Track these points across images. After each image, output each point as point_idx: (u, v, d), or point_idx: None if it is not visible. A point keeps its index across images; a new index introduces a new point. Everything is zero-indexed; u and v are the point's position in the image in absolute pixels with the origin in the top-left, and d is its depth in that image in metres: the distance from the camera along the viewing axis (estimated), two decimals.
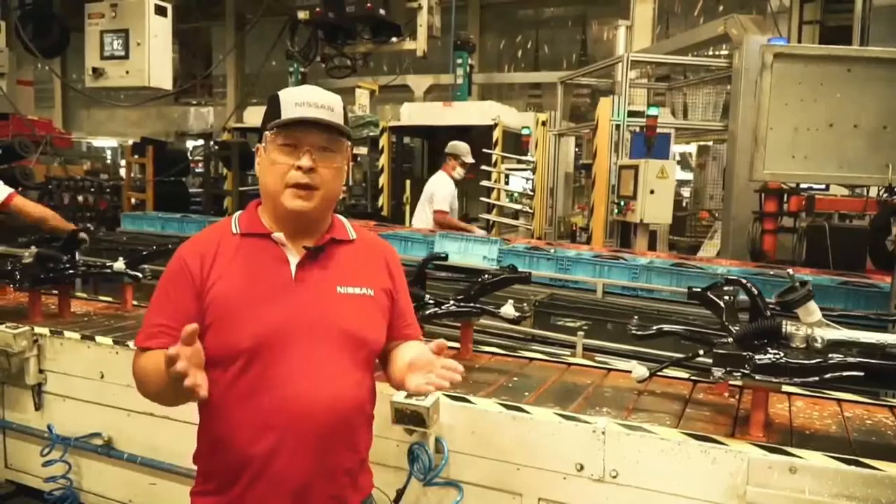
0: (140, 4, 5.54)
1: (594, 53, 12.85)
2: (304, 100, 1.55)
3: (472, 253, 3.99)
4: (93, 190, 8.31)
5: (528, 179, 7.38)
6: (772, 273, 3.48)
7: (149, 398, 1.57)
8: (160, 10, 5.65)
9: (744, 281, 2.17)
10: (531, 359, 2.79)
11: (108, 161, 15.43)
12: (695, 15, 12.23)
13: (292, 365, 1.52)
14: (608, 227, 6.20)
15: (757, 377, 1.91)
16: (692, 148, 10.32)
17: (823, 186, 5.98)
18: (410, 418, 2.06)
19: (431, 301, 2.63)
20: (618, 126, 6.20)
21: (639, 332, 2.27)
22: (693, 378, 2.52)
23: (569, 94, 10.71)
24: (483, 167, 7.13)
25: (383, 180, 8.54)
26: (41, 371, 2.96)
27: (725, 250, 6.17)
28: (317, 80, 9.02)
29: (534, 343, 3.14)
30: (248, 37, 13.84)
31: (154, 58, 5.61)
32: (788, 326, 1.95)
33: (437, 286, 3.08)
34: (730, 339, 2.03)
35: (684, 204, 9.54)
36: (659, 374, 2.24)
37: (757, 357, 1.91)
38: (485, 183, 7.46)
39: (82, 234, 3.42)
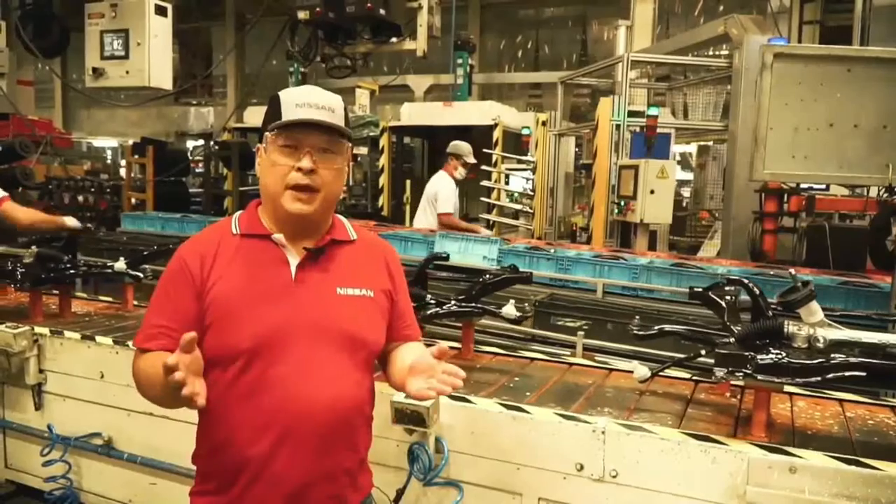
0: (140, 4, 5.54)
1: (594, 53, 12.85)
2: (304, 101, 1.54)
3: (472, 253, 3.99)
4: (93, 190, 8.32)
5: (528, 179, 7.38)
6: (772, 273, 3.48)
7: (148, 399, 1.57)
8: (160, 10, 5.65)
9: (746, 281, 2.17)
10: (532, 359, 2.79)
11: (109, 161, 15.45)
12: (695, 15, 12.23)
13: (292, 365, 1.52)
14: (608, 227, 6.20)
15: (759, 377, 1.91)
16: (692, 148, 10.32)
17: (823, 186, 5.98)
18: (410, 418, 2.06)
19: (433, 301, 2.63)
20: (618, 126, 6.20)
21: (640, 332, 2.27)
22: (695, 378, 2.52)
23: (569, 94, 10.71)
24: (483, 167, 7.13)
25: (383, 180, 8.54)
26: (41, 371, 2.96)
27: (725, 250, 6.17)
28: (317, 80, 9.05)
29: (534, 343, 3.14)
30: (248, 37, 13.85)
31: (154, 58, 5.61)
32: (790, 326, 1.95)
33: (438, 286, 3.08)
34: (732, 340, 2.03)
35: (684, 204, 9.54)
36: (660, 374, 2.24)
37: (759, 357, 1.91)
38: (485, 183, 7.46)
39: (71, 222, 3.42)
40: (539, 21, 14.11)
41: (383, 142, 8.42)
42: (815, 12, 6.56)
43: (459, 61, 9.79)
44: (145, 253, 3.49)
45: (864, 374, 1.85)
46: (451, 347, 2.76)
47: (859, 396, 2.40)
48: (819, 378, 1.88)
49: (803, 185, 5.88)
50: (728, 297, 2.23)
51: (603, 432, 2.00)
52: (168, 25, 5.74)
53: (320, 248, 1.61)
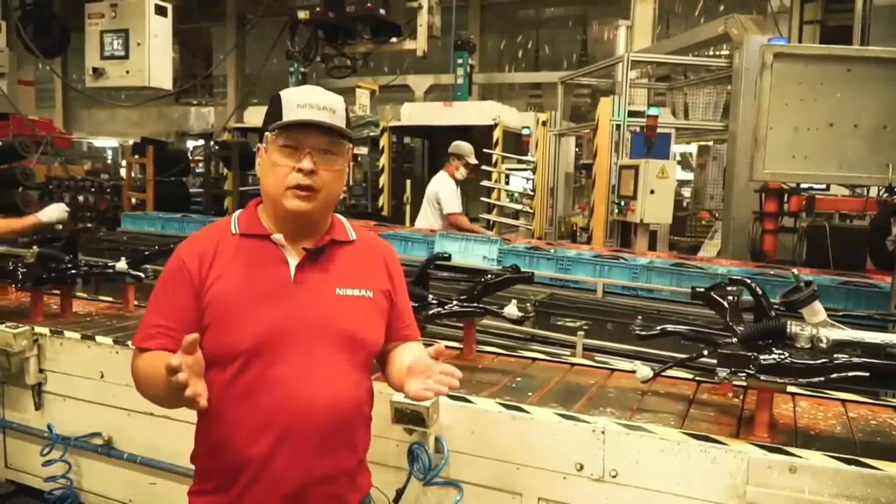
0: (140, 4, 5.53)
1: (594, 53, 12.85)
2: (305, 101, 1.54)
3: (473, 253, 3.99)
4: (93, 190, 8.30)
5: (528, 179, 7.38)
6: (772, 273, 3.48)
7: (147, 398, 1.57)
8: (160, 10, 5.63)
9: (748, 281, 2.17)
10: (534, 359, 2.79)
11: (109, 161, 15.42)
12: (695, 15, 12.23)
13: (291, 366, 1.52)
14: (608, 227, 6.20)
15: (762, 377, 1.91)
16: (692, 148, 10.33)
17: (824, 186, 5.98)
18: (410, 418, 2.06)
19: (435, 301, 2.62)
20: (618, 126, 6.19)
21: (642, 333, 2.26)
22: (697, 378, 2.52)
23: (569, 94, 10.71)
24: (483, 167, 7.13)
25: (384, 180, 8.54)
26: (41, 371, 2.96)
27: (726, 250, 6.17)
28: (317, 80, 9.06)
29: (534, 343, 3.14)
30: (248, 37, 13.85)
31: (154, 58, 5.59)
32: (793, 326, 1.95)
33: (439, 286, 3.08)
34: (734, 340, 2.03)
35: (685, 204, 9.54)
36: (662, 374, 2.24)
37: (762, 357, 1.91)
38: (485, 183, 7.46)
39: (45, 216, 3.40)
40: (539, 21, 14.11)
41: (383, 142, 8.41)
42: (816, 12, 6.56)
43: (459, 61, 9.79)
44: (146, 253, 3.49)
45: (867, 374, 1.85)
46: (453, 347, 2.76)
47: (861, 397, 2.40)
48: (822, 378, 1.88)
49: (803, 185, 5.88)
50: (730, 298, 2.22)
51: (603, 432, 2.00)
52: (168, 25, 5.73)
53: (320, 248, 1.61)
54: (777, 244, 6.04)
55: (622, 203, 5.65)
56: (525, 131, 7.41)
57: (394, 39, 8.46)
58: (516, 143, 7.79)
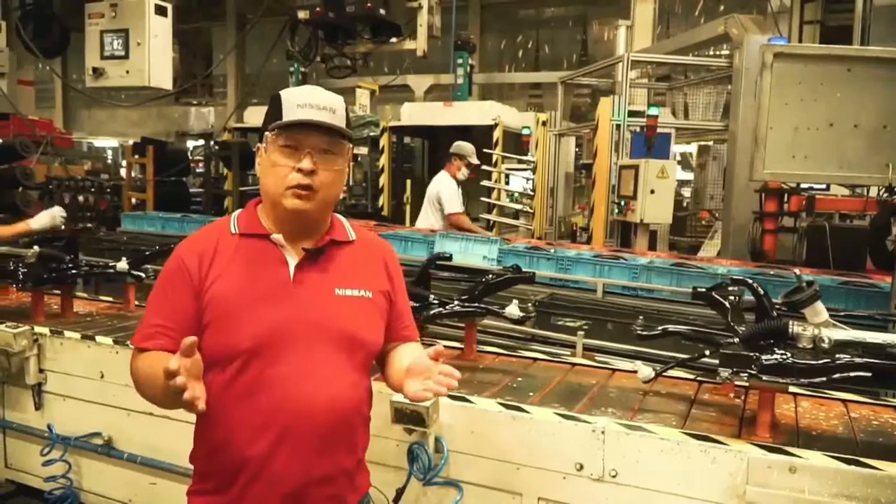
0: (140, 4, 5.53)
1: (594, 53, 12.85)
2: (306, 101, 1.54)
3: (473, 253, 3.99)
4: (93, 190, 8.31)
5: (528, 179, 7.38)
6: (772, 273, 3.48)
7: (145, 398, 1.56)
8: (160, 10, 5.63)
9: (750, 281, 2.17)
10: (535, 359, 2.79)
11: (109, 161, 15.44)
12: (695, 15, 12.24)
13: (291, 366, 1.51)
14: (608, 227, 6.20)
15: (764, 378, 1.90)
16: (692, 148, 10.33)
17: (824, 186, 5.98)
18: (410, 418, 2.05)
19: (436, 301, 2.62)
20: (618, 126, 6.20)
21: (644, 333, 2.26)
22: (699, 378, 2.51)
23: (569, 94, 10.71)
24: (483, 167, 7.12)
25: (384, 180, 8.53)
26: (41, 371, 2.96)
27: (726, 250, 6.17)
28: (317, 80, 9.05)
29: (534, 343, 3.14)
30: (248, 37, 13.85)
31: (154, 58, 5.59)
32: (795, 327, 1.94)
33: (440, 286, 3.08)
34: (736, 340, 2.02)
35: (685, 204, 9.55)
36: (664, 374, 2.23)
37: (764, 357, 1.90)
38: (485, 183, 7.46)
39: (36, 224, 3.38)
40: (539, 21, 14.11)
41: (383, 142, 8.41)
42: (816, 12, 6.55)
43: (459, 61, 9.79)
44: (147, 253, 3.49)
45: (869, 374, 1.84)
46: (454, 347, 2.76)
47: (863, 397, 2.40)
48: (824, 378, 1.87)
49: (803, 185, 5.88)
50: (731, 298, 2.22)
51: (602, 432, 2.00)
52: (168, 25, 5.73)
53: (319, 248, 1.61)
54: (777, 244, 6.04)
55: (622, 203, 5.65)
56: (525, 131, 7.41)
57: (394, 39, 8.46)
58: (516, 143, 7.79)
